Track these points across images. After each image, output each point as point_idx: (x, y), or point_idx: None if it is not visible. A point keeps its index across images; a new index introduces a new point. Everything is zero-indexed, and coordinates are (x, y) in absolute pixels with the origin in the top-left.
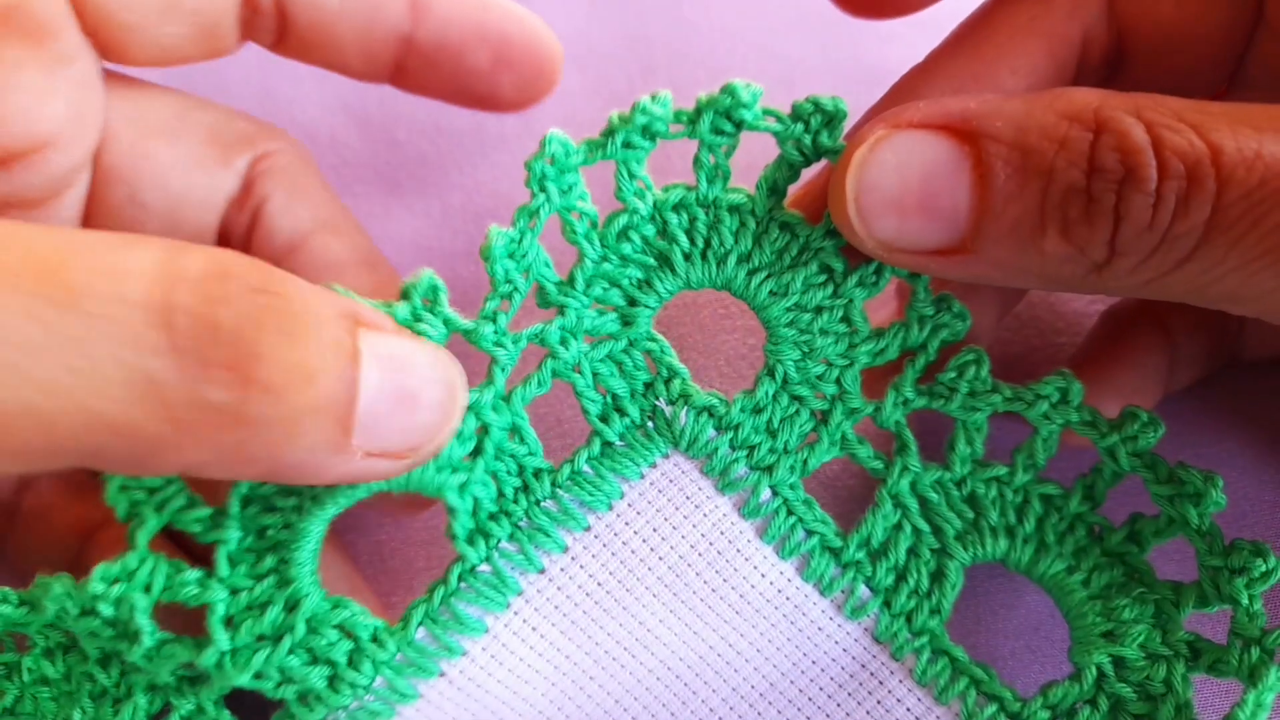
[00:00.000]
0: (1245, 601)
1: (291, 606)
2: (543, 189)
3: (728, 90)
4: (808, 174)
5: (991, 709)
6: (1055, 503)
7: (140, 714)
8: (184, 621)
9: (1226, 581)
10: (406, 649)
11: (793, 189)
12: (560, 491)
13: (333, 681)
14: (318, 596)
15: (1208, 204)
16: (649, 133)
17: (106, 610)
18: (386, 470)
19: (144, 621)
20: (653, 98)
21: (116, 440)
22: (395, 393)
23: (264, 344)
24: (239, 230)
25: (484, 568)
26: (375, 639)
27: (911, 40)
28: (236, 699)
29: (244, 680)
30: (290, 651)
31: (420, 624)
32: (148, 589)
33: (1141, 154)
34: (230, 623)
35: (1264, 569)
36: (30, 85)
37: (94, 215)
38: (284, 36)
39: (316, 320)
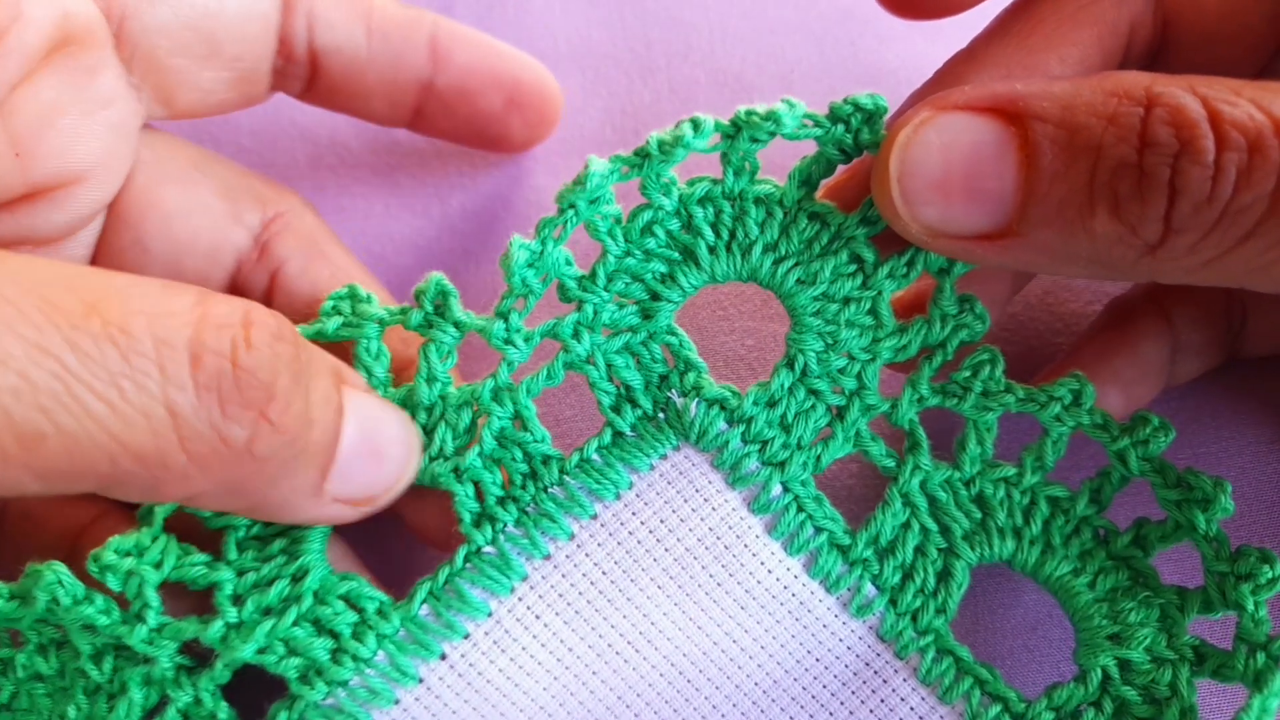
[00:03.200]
0: (1251, 608)
1: (298, 578)
2: (572, 207)
3: (770, 117)
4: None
5: (996, 709)
6: (1062, 505)
7: (135, 709)
8: (186, 608)
9: (1232, 587)
10: (409, 624)
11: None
12: (568, 479)
13: (335, 654)
14: (324, 570)
15: (1272, 174)
16: (684, 152)
17: (114, 583)
18: (345, 516)
19: (152, 596)
20: (695, 128)
21: (138, 468)
22: (367, 448)
23: (279, 388)
24: (257, 290)
25: (490, 550)
26: (380, 612)
27: (910, 41)
28: (233, 696)
29: (248, 653)
30: (295, 622)
31: (424, 601)
32: (158, 565)
33: (1198, 126)
34: (238, 600)
35: (1270, 575)
36: (68, 127)
37: (100, 255)
38: (313, 84)
39: (318, 373)
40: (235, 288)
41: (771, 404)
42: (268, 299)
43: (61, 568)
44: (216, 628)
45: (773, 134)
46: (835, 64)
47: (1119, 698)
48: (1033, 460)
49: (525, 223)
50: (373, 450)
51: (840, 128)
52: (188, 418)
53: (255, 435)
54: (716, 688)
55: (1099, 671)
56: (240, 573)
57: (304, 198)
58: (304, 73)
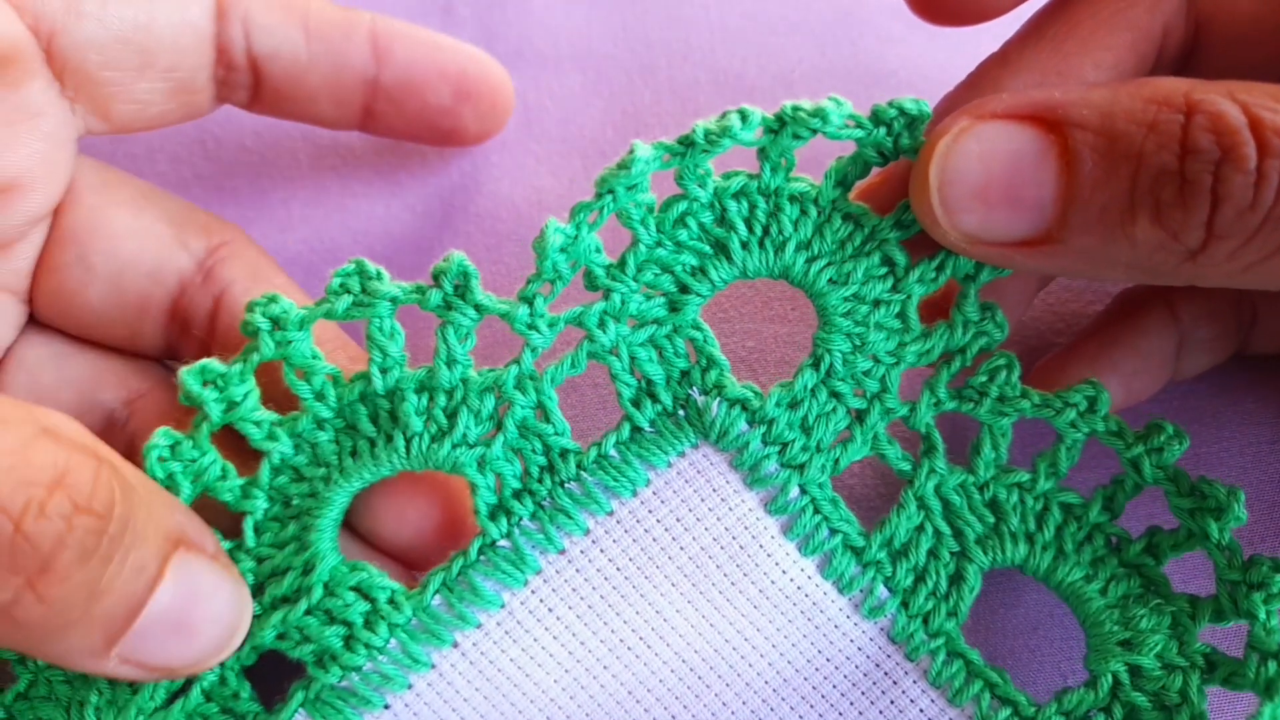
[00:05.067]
0: (1263, 616)
1: (308, 570)
2: (611, 192)
3: (818, 113)
4: None
5: (1005, 713)
6: (1075, 511)
7: (161, 690)
8: None
9: (1244, 596)
10: (421, 614)
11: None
12: (585, 474)
13: (348, 641)
14: (334, 560)
15: None
16: (729, 143)
17: None
18: (134, 677)
19: None
20: (743, 119)
21: None
22: (175, 622)
23: (58, 561)
24: (201, 313)
25: (504, 543)
26: (392, 601)
27: (910, 42)
28: (254, 677)
29: (268, 639)
30: (307, 613)
31: (437, 591)
32: None
33: (1239, 133)
34: (258, 589)
35: None
36: None
37: (42, 270)
38: (258, 93)
39: (132, 542)
40: (178, 310)
41: (794, 405)
42: (211, 320)
43: None
44: None
45: (815, 131)
46: (836, 64)
47: (1129, 703)
48: (1046, 466)
49: (527, 223)
50: (181, 625)
51: (882, 130)
52: None
53: (16, 602)
54: (727, 685)
55: (1109, 677)
56: (259, 560)
57: (248, 235)
58: (247, 80)
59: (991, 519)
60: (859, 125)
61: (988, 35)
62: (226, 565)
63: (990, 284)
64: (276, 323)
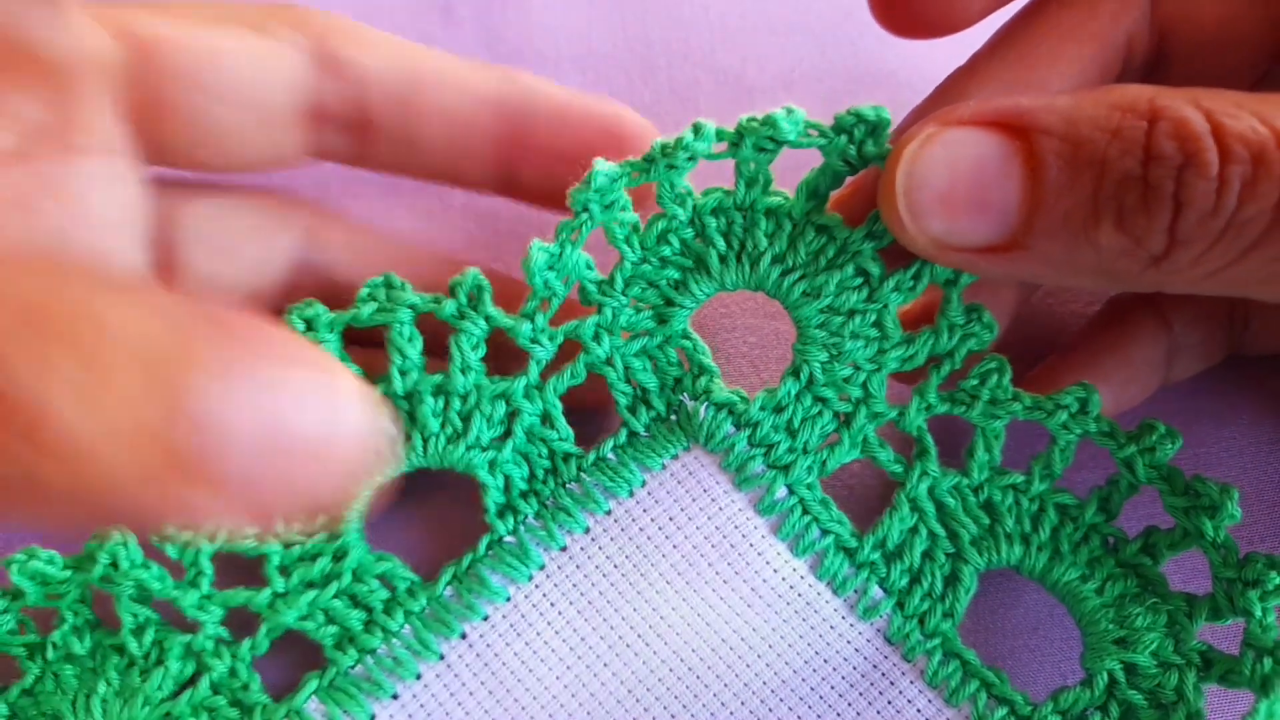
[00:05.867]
0: (1259, 613)
1: (339, 557)
2: (585, 210)
3: (768, 122)
4: None
5: (1002, 712)
6: (1070, 512)
7: (169, 680)
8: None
9: (1240, 594)
10: (434, 603)
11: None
12: (585, 475)
13: (368, 625)
14: (363, 550)
15: (1275, 187)
16: (691, 159)
17: (172, 552)
18: (278, 509)
19: (206, 564)
20: (696, 132)
21: None
22: (264, 429)
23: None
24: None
25: (510, 539)
26: (410, 590)
27: (910, 43)
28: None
29: (292, 619)
30: (335, 596)
31: (449, 583)
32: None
33: (1201, 139)
34: (284, 571)
35: (1278, 582)
36: None
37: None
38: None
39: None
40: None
41: (778, 409)
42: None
43: (128, 535)
44: (265, 595)
45: (775, 141)
46: (837, 65)
47: (1125, 702)
48: (1041, 468)
49: (526, 225)
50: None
51: (844, 139)
52: None
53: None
54: (725, 685)
55: (1105, 675)
56: (287, 545)
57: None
58: (348, 140)
59: (986, 521)
60: (821, 134)
61: (988, 36)
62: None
63: (979, 284)
64: (309, 324)
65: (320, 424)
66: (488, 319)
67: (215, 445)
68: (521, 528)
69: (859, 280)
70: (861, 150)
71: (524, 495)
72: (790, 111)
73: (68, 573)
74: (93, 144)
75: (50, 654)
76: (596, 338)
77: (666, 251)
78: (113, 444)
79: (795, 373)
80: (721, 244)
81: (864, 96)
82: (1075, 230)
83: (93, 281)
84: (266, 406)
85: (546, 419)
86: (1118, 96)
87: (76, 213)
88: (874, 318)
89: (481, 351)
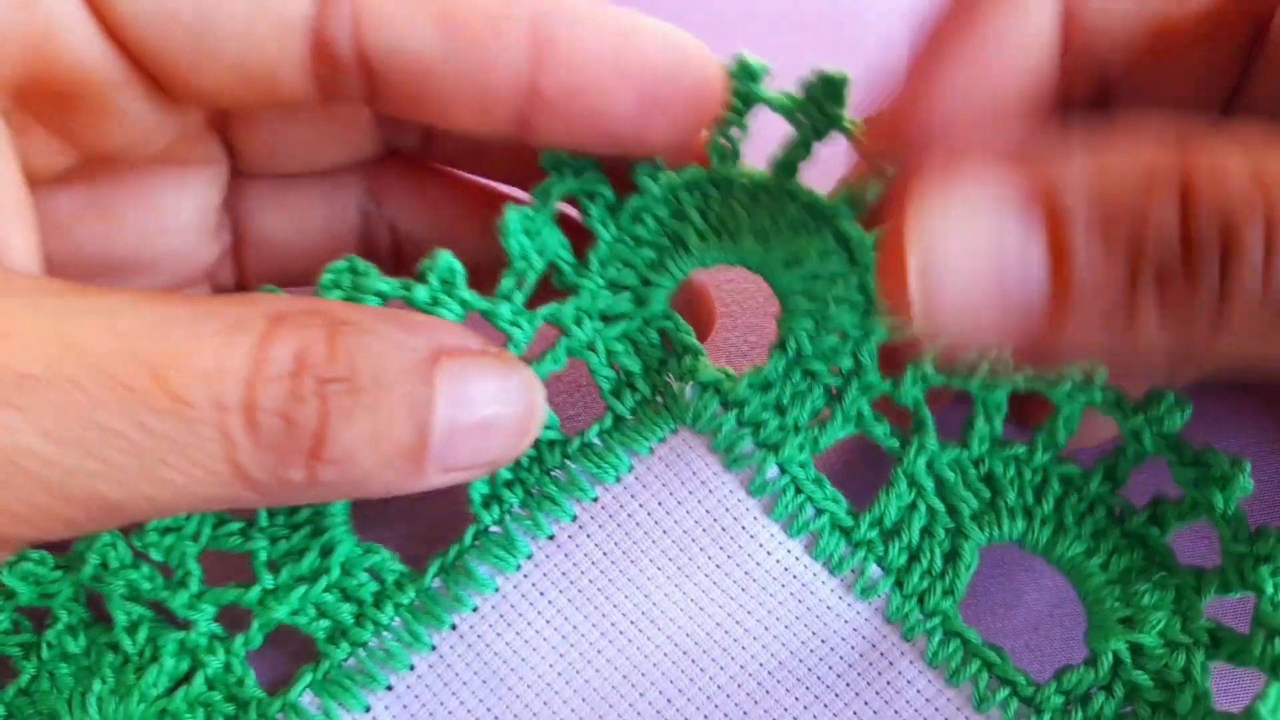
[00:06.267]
0: (1270, 590)
1: (327, 552)
2: (557, 169)
3: (739, 61)
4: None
5: (1004, 693)
6: (1075, 483)
7: (164, 677)
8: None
9: (1251, 569)
10: (422, 595)
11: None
12: (569, 462)
13: (359, 618)
14: (351, 543)
15: None
16: None
17: (157, 555)
18: (467, 479)
19: (193, 565)
20: None
21: (213, 507)
22: (471, 425)
23: (329, 429)
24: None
25: (496, 529)
26: (399, 583)
27: (912, 45)
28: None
29: (283, 614)
30: (325, 590)
31: (436, 575)
32: (196, 537)
33: (1244, 226)
34: (272, 566)
35: None
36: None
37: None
38: (375, 97)
39: (386, 385)
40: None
41: (765, 387)
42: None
43: (117, 535)
44: (254, 592)
45: (741, 96)
46: (836, 64)
47: (1130, 682)
48: (1044, 438)
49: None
50: (477, 426)
51: (811, 104)
52: (252, 470)
53: (313, 474)
54: (721, 668)
55: (1110, 655)
56: (273, 540)
57: None
58: (359, 83)
59: (988, 494)
60: (788, 99)
61: None
62: (499, 356)
63: None
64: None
65: (521, 414)
66: (463, 303)
67: (446, 445)
68: (507, 517)
69: (838, 245)
70: (824, 110)
71: (508, 484)
72: (757, 62)
73: (58, 573)
74: (159, 150)
75: (45, 653)
76: (577, 321)
77: (642, 231)
78: (373, 451)
79: (782, 346)
80: (699, 220)
81: (864, 97)
82: (1114, 324)
83: (361, 329)
84: (485, 410)
85: None
86: (1146, 163)
87: (152, 219)
88: (857, 281)
89: None
